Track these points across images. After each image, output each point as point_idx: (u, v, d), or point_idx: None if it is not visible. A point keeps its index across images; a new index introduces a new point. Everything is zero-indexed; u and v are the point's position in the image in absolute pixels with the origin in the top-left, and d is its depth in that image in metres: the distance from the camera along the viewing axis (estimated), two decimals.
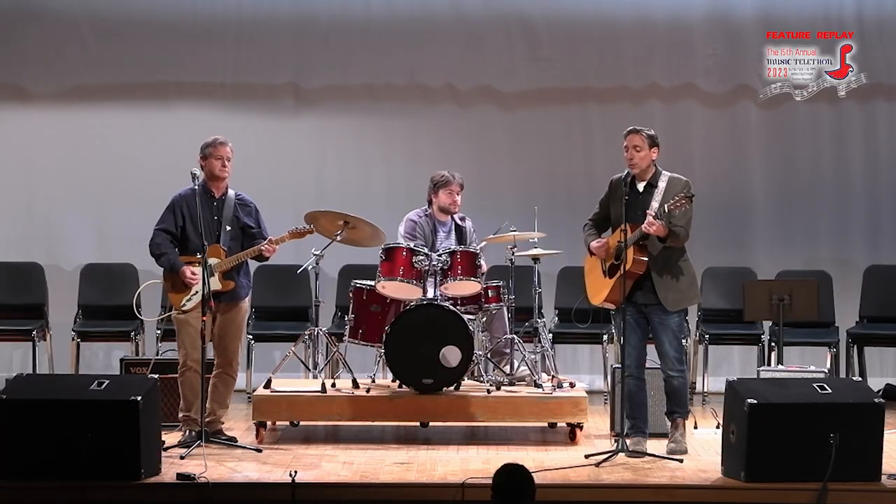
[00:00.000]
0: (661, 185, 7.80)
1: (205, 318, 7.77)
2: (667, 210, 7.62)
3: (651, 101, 10.92)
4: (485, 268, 8.59)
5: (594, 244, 7.98)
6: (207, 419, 7.95)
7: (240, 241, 8.15)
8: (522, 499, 5.74)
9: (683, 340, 8.06)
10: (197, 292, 7.95)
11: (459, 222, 9.01)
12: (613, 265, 7.88)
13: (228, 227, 8.10)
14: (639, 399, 7.96)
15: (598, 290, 7.99)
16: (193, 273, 7.96)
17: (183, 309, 8.02)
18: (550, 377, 8.62)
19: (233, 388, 8.26)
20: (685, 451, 7.81)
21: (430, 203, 8.97)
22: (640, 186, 7.86)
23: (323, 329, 8.86)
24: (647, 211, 7.68)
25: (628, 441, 7.71)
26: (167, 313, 8.20)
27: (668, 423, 8.01)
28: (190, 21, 10.91)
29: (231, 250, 8.09)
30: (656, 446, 7.84)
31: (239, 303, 8.15)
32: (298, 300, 10.35)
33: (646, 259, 7.74)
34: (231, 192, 8.20)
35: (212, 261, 7.93)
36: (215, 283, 7.91)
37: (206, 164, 8.09)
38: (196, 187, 8.03)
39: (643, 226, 7.63)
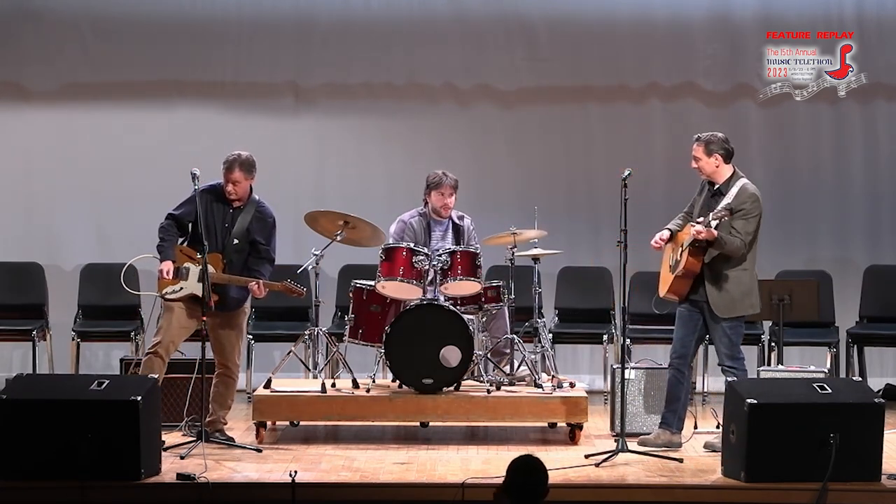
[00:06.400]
0: (732, 191, 7.81)
1: (204, 318, 7.78)
2: (710, 220, 7.66)
3: (651, 101, 10.92)
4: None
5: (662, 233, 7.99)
6: (209, 419, 7.96)
7: (245, 255, 8.07)
8: (536, 492, 5.59)
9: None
10: (182, 287, 7.93)
11: (458, 221, 8.99)
12: (678, 262, 7.94)
13: (236, 241, 8.02)
14: (674, 392, 7.99)
15: (664, 282, 8.05)
16: (168, 273, 7.92)
17: (165, 296, 7.98)
18: (550, 377, 8.62)
19: (234, 388, 8.25)
20: (718, 451, 7.65)
21: (425, 203, 8.96)
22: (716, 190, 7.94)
23: (323, 329, 8.85)
24: (701, 218, 7.73)
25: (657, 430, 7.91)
26: (154, 293, 8.08)
27: None
28: (190, 20, 10.89)
29: (233, 263, 8.03)
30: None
31: (230, 312, 8.08)
32: (298, 300, 10.26)
33: (699, 261, 7.77)
34: (254, 201, 8.11)
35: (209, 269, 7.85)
36: (200, 291, 7.81)
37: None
38: (220, 187, 8.02)
39: (693, 231, 7.68)
